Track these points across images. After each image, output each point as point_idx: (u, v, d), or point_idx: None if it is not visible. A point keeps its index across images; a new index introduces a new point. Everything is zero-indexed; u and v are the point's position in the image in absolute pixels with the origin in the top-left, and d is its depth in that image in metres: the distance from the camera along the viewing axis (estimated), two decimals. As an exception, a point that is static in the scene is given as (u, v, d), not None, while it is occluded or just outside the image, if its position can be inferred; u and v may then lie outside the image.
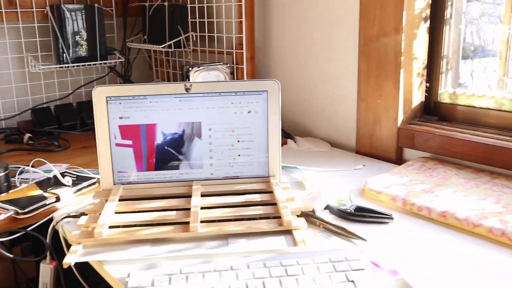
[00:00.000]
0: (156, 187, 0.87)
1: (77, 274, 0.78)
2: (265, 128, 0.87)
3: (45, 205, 0.85)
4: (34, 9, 1.37)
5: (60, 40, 1.36)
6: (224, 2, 1.33)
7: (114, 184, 0.86)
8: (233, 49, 1.32)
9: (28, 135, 1.25)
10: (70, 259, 0.67)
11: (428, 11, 1.09)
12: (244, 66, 1.28)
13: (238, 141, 0.88)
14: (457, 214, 0.76)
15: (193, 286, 0.58)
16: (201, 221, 0.74)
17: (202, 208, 0.78)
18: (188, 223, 0.73)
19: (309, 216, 0.78)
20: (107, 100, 0.85)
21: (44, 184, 0.92)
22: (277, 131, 0.87)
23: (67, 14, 1.38)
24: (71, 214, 0.81)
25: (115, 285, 0.64)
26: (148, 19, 1.49)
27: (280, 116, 0.87)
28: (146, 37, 1.51)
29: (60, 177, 0.92)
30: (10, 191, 0.89)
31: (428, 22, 1.09)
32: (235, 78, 1.32)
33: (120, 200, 0.82)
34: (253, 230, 0.72)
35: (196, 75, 1.23)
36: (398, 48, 1.05)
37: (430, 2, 1.08)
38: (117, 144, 0.86)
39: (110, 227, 0.74)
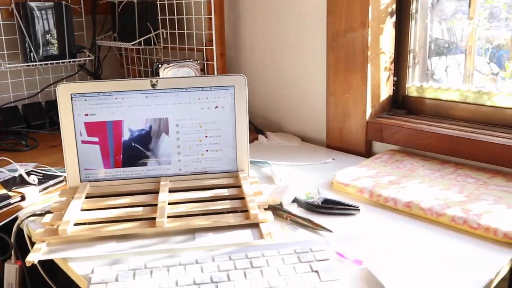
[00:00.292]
0: (124, 183, 0.86)
1: (42, 273, 0.76)
2: (232, 123, 0.87)
3: (9, 204, 0.84)
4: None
5: (27, 38, 1.34)
6: (193, -1, 1.33)
7: (81, 182, 0.85)
8: (203, 46, 1.32)
9: (-6, 134, 1.23)
10: (33, 257, 0.66)
11: (394, 6, 1.10)
12: (215, 63, 1.28)
13: (206, 136, 0.88)
14: (422, 204, 0.77)
15: (158, 281, 0.58)
16: (168, 216, 0.74)
17: (169, 203, 0.78)
18: (154, 218, 0.73)
19: (276, 210, 0.78)
20: (71, 97, 0.84)
21: (9, 183, 0.90)
22: (244, 125, 0.87)
23: (34, 11, 1.35)
24: (37, 213, 0.80)
25: (80, 282, 0.63)
26: (118, 17, 1.48)
27: (248, 111, 0.87)
28: (116, 35, 1.49)
29: (25, 176, 0.90)
30: (-26, 191, 0.88)
31: (394, 17, 1.11)
32: (206, 74, 1.31)
33: (87, 197, 0.81)
34: (220, 224, 0.72)
35: (166, 72, 1.22)
36: (365, 43, 1.07)
37: (395, -3, 1.10)
38: (83, 141, 0.85)
39: (76, 224, 0.73)
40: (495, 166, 0.92)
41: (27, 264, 0.65)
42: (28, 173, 0.92)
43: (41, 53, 1.37)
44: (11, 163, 0.98)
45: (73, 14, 1.43)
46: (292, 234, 0.72)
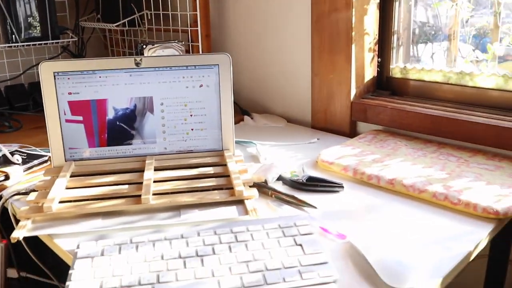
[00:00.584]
0: (109, 162, 0.86)
1: (28, 250, 0.76)
2: (217, 102, 0.88)
3: (-7, 183, 0.83)
4: (-20, -14, 1.32)
5: (8, 19, 1.32)
6: (178, -21, 1.32)
7: (66, 161, 0.85)
8: (188, 27, 1.31)
9: (-23, 116, 1.22)
10: (18, 234, 0.66)
11: (377, -14, 1.11)
12: (200, 44, 1.28)
13: (191, 115, 0.88)
14: (404, 181, 0.78)
15: (143, 254, 0.59)
16: (154, 194, 0.74)
17: (155, 181, 0.78)
18: (140, 196, 0.73)
19: (261, 187, 0.79)
20: (54, 76, 0.83)
21: (-9, 163, 0.90)
22: (229, 104, 0.88)
23: (15, -9, 1.33)
24: (21, 192, 0.80)
25: (65, 257, 0.64)
26: (101, -2, 1.46)
27: (232, 90, 0.87)
28: (100, 16, 1.47)
29: (9, 155, 0.90)
30: (-44, 171, 0.87)
31: (379, -2, 1.11)
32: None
33: (72, 176, 0.81)
34: (205, 200, 0.73)
35: (150, 53, 1.21)
36: (349, 24, 1.07)
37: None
38: (67, 120, 0.85)
39: (61, 202, 0.73)
40: (476, 145, 0.94)
41: (12, 241, 0.65)
42: (12, 153, 0.92)
43: (23, 34, 1.35)
44: (-6, 143, 0.97)
45: (56, -6, 1.41)
46: (277, 210, 0.73)
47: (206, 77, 0.87)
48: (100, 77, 0.84)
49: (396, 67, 1.15)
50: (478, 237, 0.65)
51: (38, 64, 1.46)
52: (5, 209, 0.80)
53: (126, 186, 0.77)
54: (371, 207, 0.75)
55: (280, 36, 1.23)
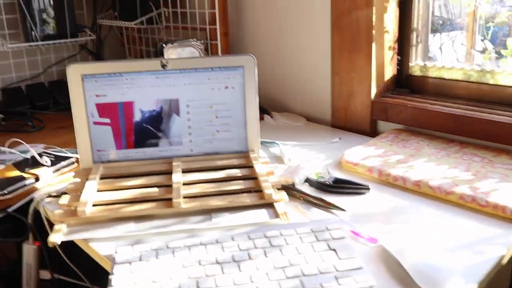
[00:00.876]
0: (137, 164, 0.87)
1: (61, 254, 0.78)
2: (242, 104, 0.88)
3: (24, 185, 0.85)
4: (-1, -14, 1.33)
5: (28, 18, 1.33)
6: (196, -23, 1.32)
7: (94, 163, 0.86)
8: (206, 25, 1.31)
9: (0, 115, 1.23)
10: (55, 238, 0.67)
11: (398, -16, 1.11)
12: (218, 42, 1.28)
13: (216, 117, 0.88)
14: (430, 182, 0.79)
15: (181, 260, 0.60)
16: (184, 197, 0.75)
17: (183, 184, 0.79)
18: (170, 199, 0.74)
19: (289, 189, 0.80)
20: (82, 78, 0.84)
21: (22, 165, 0.91)
22: (254, 106, 0.88)
23: (34, -10, 1.34)
24: (52, 194, 0.81)
25: (103, 262, 0.65)
26: (118, -5, 1.46)
27: (257, 91, 0.88)
28: (117, 13, 1.48)
29: (38, 157, 0.91)
30: (-13, 173, 0.88)
31: (399, -5, 1.11)
32: (210, 54, 1.31)
33: (101, 178, 0.82)
34: (236, 204, 0.74)
35: (170, 52, 1.22)
36: (370, 22, 1.07)
37: (399, -26, 1.10)
38: (95, 123, 0.86)
39: (93, 205, 0.74)
40: (499, 144, 0.94)
41: (50, 245, 0.67)
42: (40, 155, 0.93)
43: (42, 33, 1.36)
44: (22, 143, 0.98)
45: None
46: (307, 213, 0.74)
47: (232, 79, 0.87)
48: (126, 79, 0.85)
49: (416, 65, 1.15)
50: (509, 240, 0.66)
51: (57, 62, 1.48)
52: (37, 211, 0.81)
53: (156, 189, 0.78)
54: (398, 209, 0.76)
55: (298, 33, 1.23)
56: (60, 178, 0.90)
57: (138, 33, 1.53)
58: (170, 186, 0.78)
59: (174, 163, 0.85)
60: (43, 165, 0.90)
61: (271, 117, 1.24)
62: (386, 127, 1.12)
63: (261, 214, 0.73)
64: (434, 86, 1.12)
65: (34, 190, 0.85)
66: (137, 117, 0.87)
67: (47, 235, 0.69)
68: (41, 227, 0.80)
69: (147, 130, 0.87)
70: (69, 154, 0.96)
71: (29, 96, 1.37)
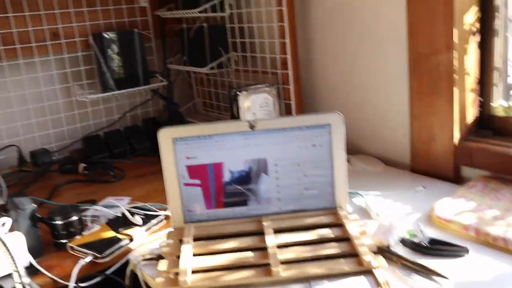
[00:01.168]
0: (226, 223, 0.88)
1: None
2: (330, 160, 0.88)
3: (120, 247, 0.87)
4: (77, 39, 1.39)
5: (104, 68, 1.38)
6: (265, 23, 1.33)
7: (185, 223, 0.88)
8: (277, 69, 1.32)
9: (82, 165, 1.28)
10: (162, 311, 0.68)
11: (477, 25, 1.08)
12: (291, 87, 1.29)
13: (305, 175, 0.88)
14: (535, 244, 0.76)
15: None
16: (281, 263, 0.75)
17: (277, 247, 0.79)
18: (266, 265, 0.75)
19: (384, 252, 0.78)
20: (173, 141, 0.86)
21: (114, 223, 0.93)
22: (342, 162, 0.88)
23: (109, 41, 1.39)
24: (148, 257, 0.83)
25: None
26: (187, 41, 1.50)
27: (346, 148, 0.87)
28: (186, 58, 1.51)
29: (129, 216, 0.94)
30: (83, 233, 0.91)
31: (478, 35, 1.08)
32: (282, 98, 1.31)
33: (194, 240, 0.83)
34: (335, 271, 0.73)
35: (244, 99, 1.23)
36: (451, 66, 1.05)
37: (479, 15, 1.07)
38: (186, 184, 0.88)
39: (191, 272, 0.75)
40: None
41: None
42: (131, 213, 0.95)
43: (117, 81, 1.41)
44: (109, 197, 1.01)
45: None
46: (407, 281, 0.72)
47: (319, 137, 0.87)
48: (216, 141, 0.87)
49: (499, 106, 1.11)
50: None
51: (132, 109, 1.53)
52: (132, 273, 0.83)
53: (251, 253, 0.79)
54: (503, 276, 0.72)
55: (371, 75, 1.22)
56: (151, 237, 0.92)
57: (206, 75, 1.56)
58: (264, 249, 0.78)
59: (264, 223, 0.86)
60: (135, 225, 0.92)
61: (347, 161, 1.22)
62: (470, 172, 1.09)
63: (361, 282, 0.71)
64: (519, 127, 1.08)
65: (129, 251, 0.87)
66: (227, 177, 0.88)
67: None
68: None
69: (237, 190, 0.88)
70: (158, 212, 0.98)
71: (106, 143, 1.41)
